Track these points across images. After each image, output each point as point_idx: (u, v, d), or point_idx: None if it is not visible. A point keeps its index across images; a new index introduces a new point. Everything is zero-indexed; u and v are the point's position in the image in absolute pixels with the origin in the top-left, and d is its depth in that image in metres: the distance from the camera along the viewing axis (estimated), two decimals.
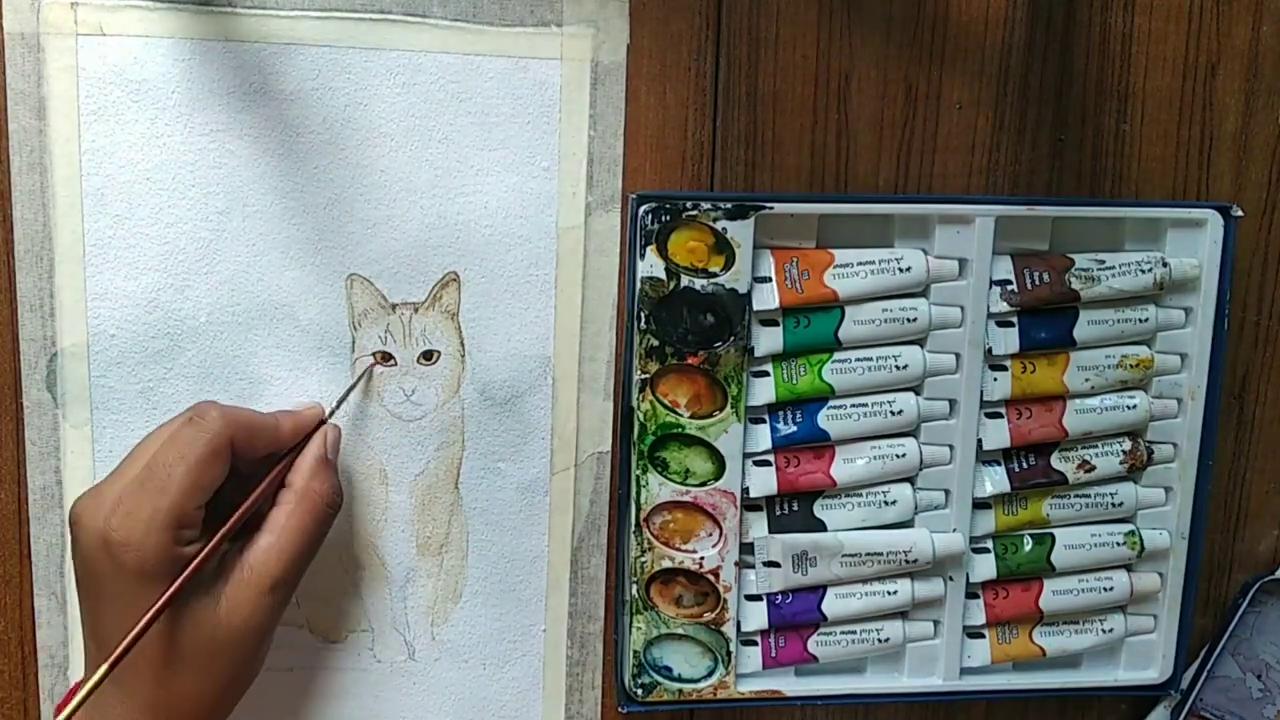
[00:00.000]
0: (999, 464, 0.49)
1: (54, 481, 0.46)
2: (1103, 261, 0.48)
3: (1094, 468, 0.49)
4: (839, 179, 0.48)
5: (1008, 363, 0.48)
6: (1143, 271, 0.48)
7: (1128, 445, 0.50)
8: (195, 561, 0.39)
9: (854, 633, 0.49)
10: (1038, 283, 0.47)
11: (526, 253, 0.47)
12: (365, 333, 0.47)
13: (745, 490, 0.48)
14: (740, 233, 0.46)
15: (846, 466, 0.48)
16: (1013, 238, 0.48)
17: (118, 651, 0.37)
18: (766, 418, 0.48)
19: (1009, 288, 0.47)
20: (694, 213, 0.45)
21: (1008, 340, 0.48)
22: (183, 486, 0.39)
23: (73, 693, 0.42)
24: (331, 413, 0.45)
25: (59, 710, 0.41)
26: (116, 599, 0.38)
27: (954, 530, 0.49)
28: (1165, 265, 0.48)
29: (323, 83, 0.45)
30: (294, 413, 0.45)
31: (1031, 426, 0.49)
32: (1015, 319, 0.48)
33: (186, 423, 0.40)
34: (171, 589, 0.38)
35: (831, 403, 0.48)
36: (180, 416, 0.41)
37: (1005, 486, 0.49)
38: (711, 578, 0.48)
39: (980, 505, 0.49)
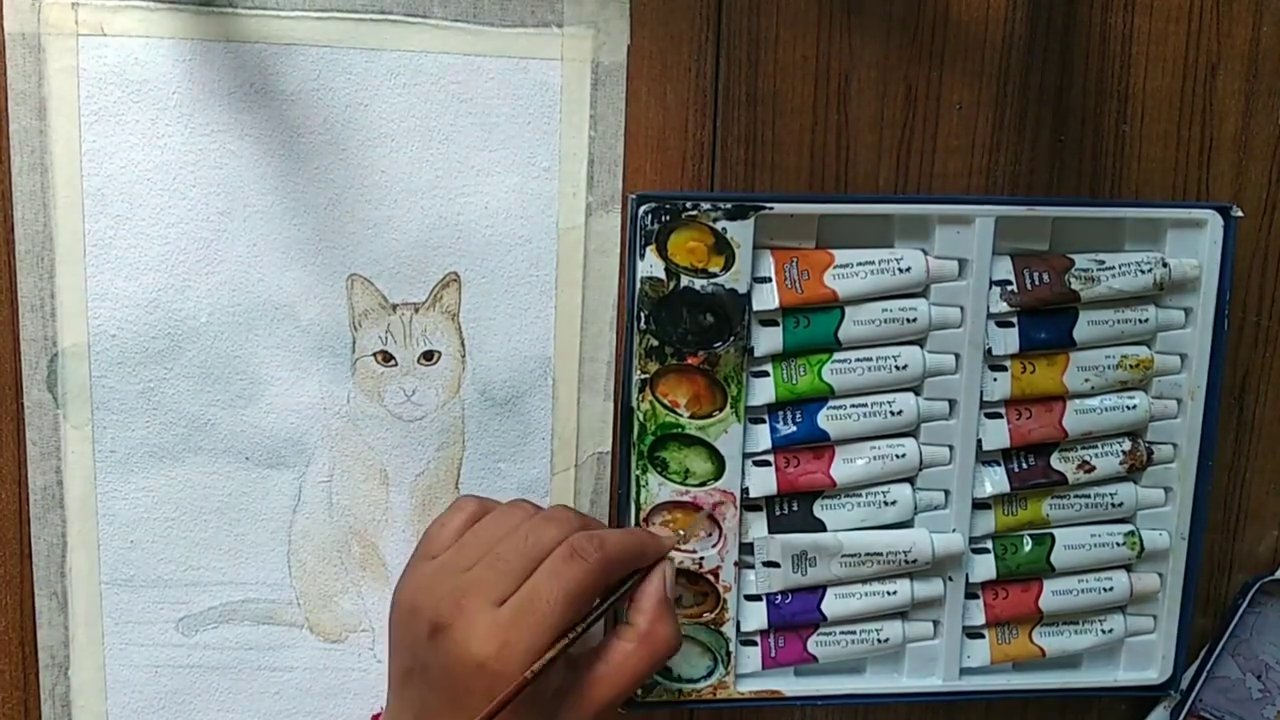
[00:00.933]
0: (999, 464, 0.49)
1: (55, 481, 0.46)
2: (1103, 262, 0.48)
3: (1094, 468, 0.49)
4: (839, 179, 0.48)
5: (1007, 363, 0.48)
6: (1143, 272, 0.48)
7: (1128, 445, 0.50)
8: (535, 672, 0.38)
9: (853, 633, 0.49)
10: (1038, 283, 0.47)
11: (527, 253, 0.47)
12: (366, 333, 0.47)
13: (745, 490, 0.48)
14: (740, 233, 0.46)
15: (846, 467, 0.48)
16: (1013, 238, 0.48)
17: None
18: (766, 418, 0.48)
19: (1009, 288, 0.47)
20: (694, 213, 0.45)
21: (1007, 340, 0.48)
22: (558, 625, 0.39)
23: None
24: (672, 549, 0.46)
25: None
26: (473, 712, 0.38)
27: (954, 530, 0.49)
28: (1165, 265, 0.48)
29: (323, 83, 0.45)
30: (651, 535, 0.45)
31: (1031, 427, 0.49)
32: (1015, 319, 0.48)
33: (570, 559, 0.40)
34: (504, 697, 0.38)
35: (831, 403, 0.48)
36: (550, 531, 0.41)
37: (1005, 487, 0.49)
38: (711, 578, 0.48)
39: (980, 505, 0.49)
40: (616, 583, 0.43)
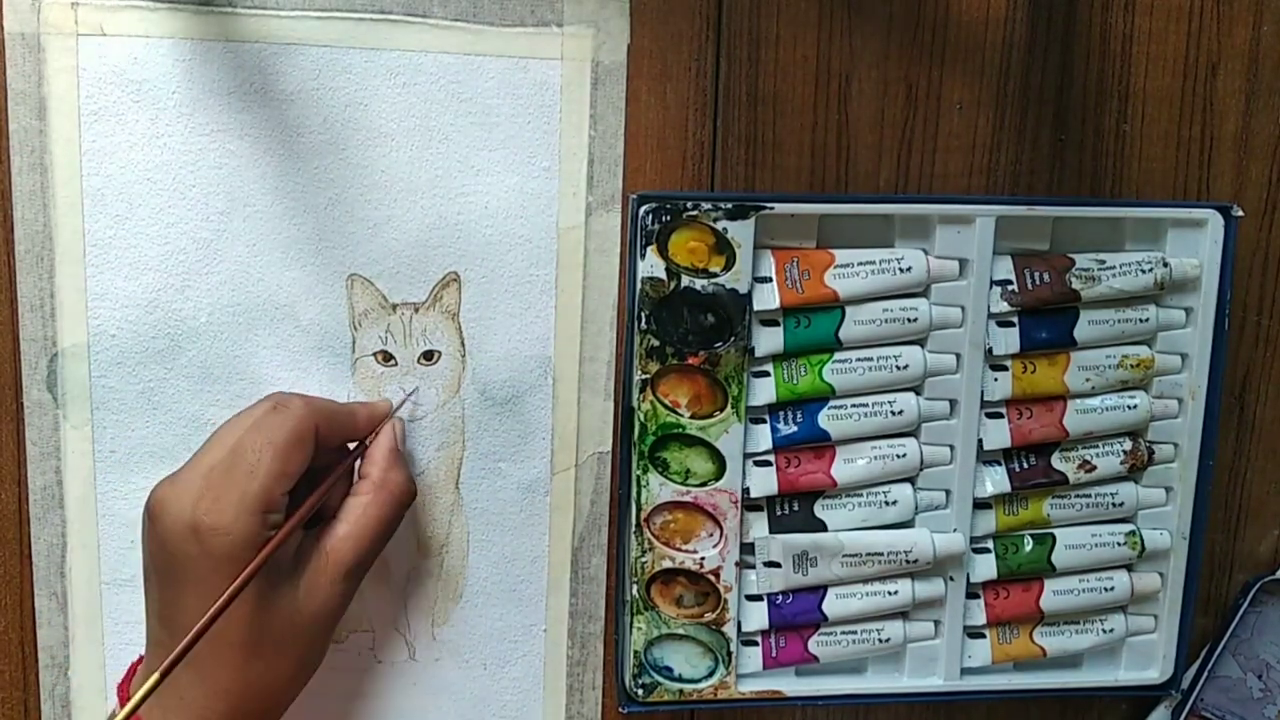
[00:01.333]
0: (999, 464, 0.49)
1: (54, 481, 0.46)
2: (1103, 261, 0.48)
3: (1095, 468, 0.49)
4: (839, 179, 0.48)
5: (1008, 363, 0.48)
6: (1143, 271, 0.48)
7: (1129, 445, 0.50)
8: (273, 543, 0.39)
9: (854, 633, 0.49)
10: (1038, 283, 0.47)
11: (527, 253, 0.47)
12: (366, 333, 0.47)
13: (746, 490, 0.48)
14: (741, 233, 0.46)
15: (847, 467, 0.48)
16: (1013, 238, 0.48)
17: (194, 631, 0.37)
18: (767, 418, 0.48)
19: (1009, 288, 0.47)
20: (694, 213, 0.45)
21: (1008, 340, 0.48)
22: (271, 470, 0.39)
23: (132, 671, 0.42)
24: (395, 410, 0.46)
25: (121, 690, 0.41)
26: (201, 584, 0.38)
27: (954, 530, 0.49)
28: (1166, 265, 0.48)
29: (323, 83, 0.45)
30: (367, 404, 0.46)
31: (1032, 426, 0.49)
32: (1016, 319, 0.48)
33: (271, 410, 0.41)
34: (248, 570, 0.38)
35: (832, 403, 0.48)
36: (261, 404, 0.41)
37: (1006, 486, 0.49)
38: (712, 578, 0.48)
39: (981, 505, 0.49)
40: (347, 451, 0.44)
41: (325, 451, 0.43)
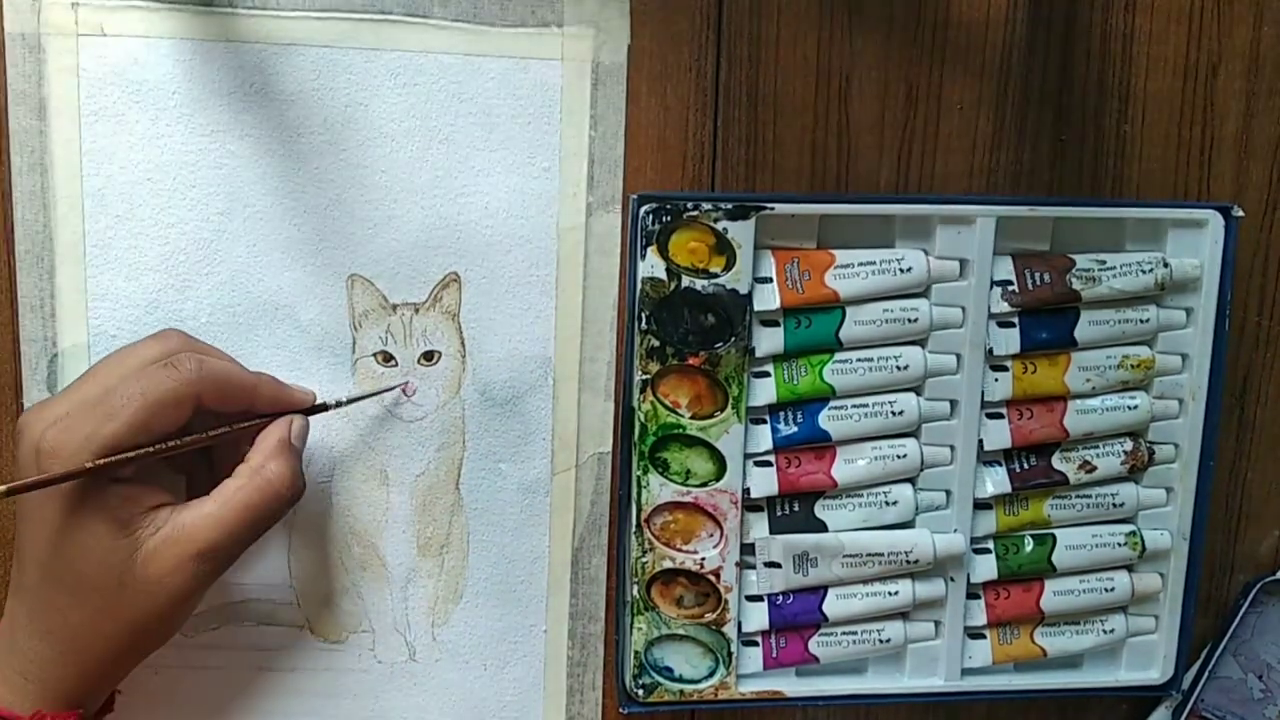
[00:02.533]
0: (1000, 464, 0.49)
1: None
2: (1104, 262, 0.48)
3: (1095, 468, 0.49)
4: (840, 179, 0.48)
5: (1009, 363, 0.48)
6: (1144, 272, 0.48)
7: (1129, 446, 0.49)
8: (99, 464, 0.37)
9: (855, 633, 0.49)
10: (1039, 283, 0.47)
11: (527, 253, 0.47)
12: (366, 333, 0.47)
13: (746, 491, 0.48)
14: (741, 233, 0.46)
15: (847, 467, 0.48)
16: (1014, 238, 0.48)
17: None
18: (767, 418, 0.48)
19: (1010, 288, 0.47)
20: (695, 213, 0.45)
21: (1009, 341, 0.48)
22: (131, 421, 0.38)
23: None
24: (336, 405, 0.45)
25: None
26: (33, 514, 0.38)
27: (955, 531, 0.49)
28: (1166, 266, 0.48)
29: (323, 83, 0.45)
30: (281, 384, 0.44)
31: (1032, 427, 0.49)
32: (1016, 319, 0.48)
33: (161, 366, 0.40)
34: (47, 477, 0.37)
35: (832, 403, 0.48)
36: (153, 346, 0.41)
37: (1006, 487, 0.49)
38: (712, 578, 0.48)
39: (981, 506, 0.49)
40: (233, 417, 0.42)
41: (230, 416, 0.42)
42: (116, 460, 0.38)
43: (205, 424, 0.41)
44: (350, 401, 0.46)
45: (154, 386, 0.39)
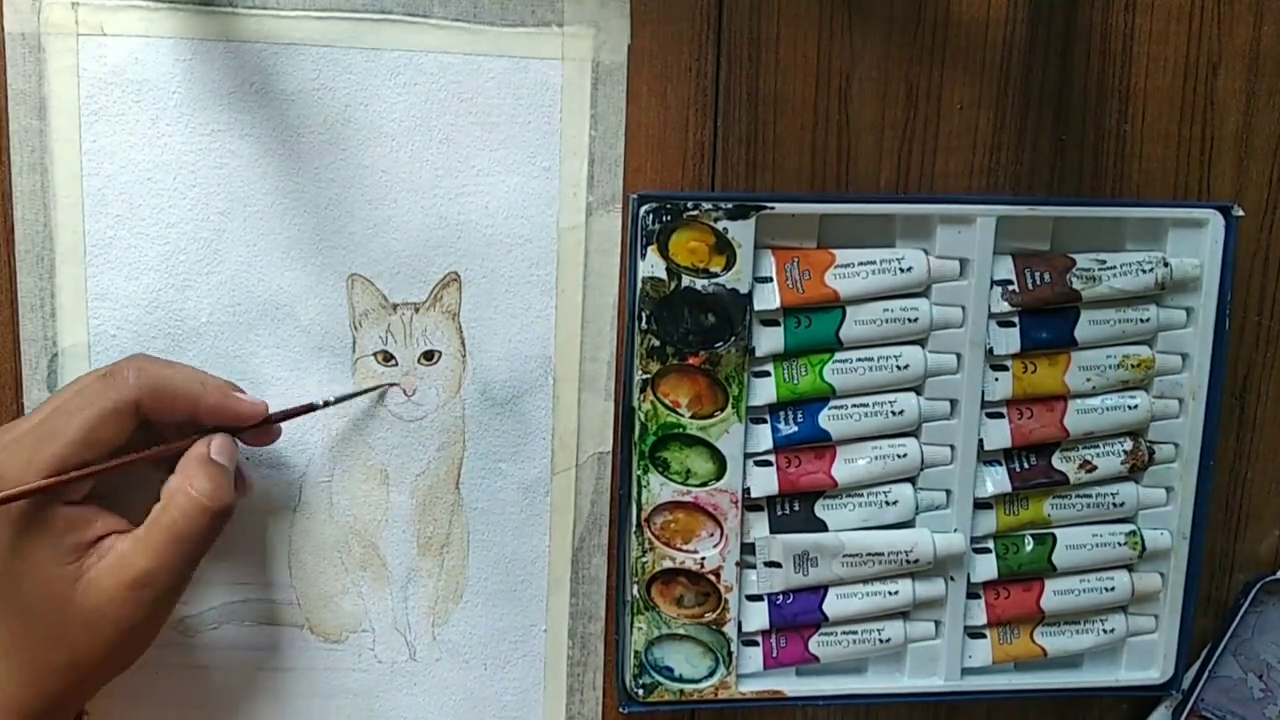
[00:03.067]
0: (1000, 464, 0.49)
1: None
2: (1104, 261, 0.48)
3: (1095, 468, 0.49)
4: (840, 179, 0.48)
5: (1009, 362, 0.48)
6: (1144, 271, 0.48)
7: (1129, 445, 0.49)
8: (31, 487, 0.37)
9: (855, 633, 0.49)
10: (1039, 283, 0.47)
11: (527, 253, 0.47)
12: (366, 333, 0.47)
13: (746, 490, 0.48)
14: (741, 233, 0.46)
15: (848, 467, 0.48)
16: (1014, 238, 0.48)
17: None
18: (767, 418, 0.48)
19: (1010, 288, 0.47)
20: (695, 213, 0.45)
21: (1009, 340, 0.48)
22: (73, 438, 0.38)
23: None
24: (324, 405, 0.45)
25: None
26: None
27: (955, 530, 0.49)
28: (1166, 265, 0.48)
29: (324, 83, 0.45)
30: (228, 394, 0.42)
31: (1033, 426, 0.49)
32: (1016, 319, 0.48)
33: (100, 376, 0.39)
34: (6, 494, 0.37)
35: (833, 403, 0.48)
36: (103, 368, 0.40)
37: (1006, 487, 0.49)
38: (712, 578, 0.48)
39: (981, 505, 0.49)
40: (182, 428, 0.41)
41: (180, 426, 0.41)
42: (35, 489, 0.37)
43: (163, 438, 0.41)
44: (338, 401, 0.45)
45: (93, 401, 0.39)
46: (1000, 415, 0.49)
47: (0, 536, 0.38)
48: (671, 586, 0.48)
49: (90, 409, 0.38)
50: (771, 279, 0.46)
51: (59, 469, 0.38)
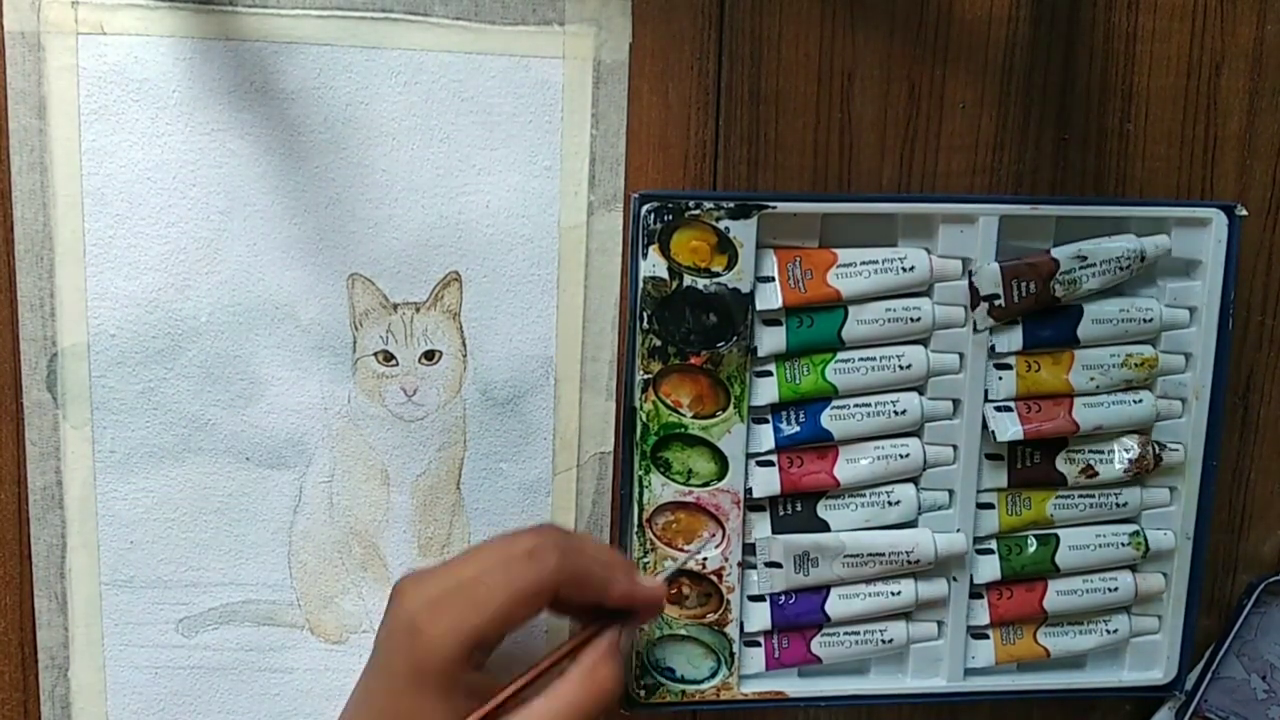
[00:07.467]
0: (1002, 463, 0.49)
1: (54, 482, 0.46)
2: (1084, 259, 0.47)
3: (1096, 474, 0.49)
4: (842, 178, 0.48)
5: (1012, 361, 0.48)
6: (1121, 269, 0.47)
7: (1135, 453, 0.49)
8: (489, 707, 0.39)
9: (857, 633, 0.49)
10: (1024, 294, 0.47)
11: (528, 252, 0.47)
12: (367, 332, 0.46)
13: (748, 491, 0.47)
14: (743, 232, 0.46)
15: (850, 467, 0.48)
16: (1016, 237, 0.48)
17: None
18: (769, 418, 0.48)
19: (996, 302, 0.47)
20: (696, 212, 0.45)
21: (1011, 339, 0.48)
22: (495, 615, 0.39)
23: None
24: (671, 589, 0.46)
25: None
26: (391, 677, 0.39)
27: (957, 530, 0.49)
28: (1143, 260, 0.47)
29: (324, 82, 0.45)
30: (633, 580, 0.43)
31: (1040, 421, 0.48)
32: (1019, 317, 0.48)
33: (527, 554, 0.40)
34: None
35: (835, 403, 0.47)
36: (527, 538, 0.41)
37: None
38: (714, 578, 0.48)
39: (984, 505, 0.49)
40: (579, 634, 0.42)
41: (578, 606, 0.42)
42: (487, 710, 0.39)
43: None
44: (670, 576, 0.46)
45: (518, 581, 0.39)
46: (1009, 409, 0.48)
47: (395, 688, 0.39)
48: (673, 587, 0.48)
49: (512, 587, 0.39)
50: (773, 278, 0.46)
51: (477, 640, 0.39)
